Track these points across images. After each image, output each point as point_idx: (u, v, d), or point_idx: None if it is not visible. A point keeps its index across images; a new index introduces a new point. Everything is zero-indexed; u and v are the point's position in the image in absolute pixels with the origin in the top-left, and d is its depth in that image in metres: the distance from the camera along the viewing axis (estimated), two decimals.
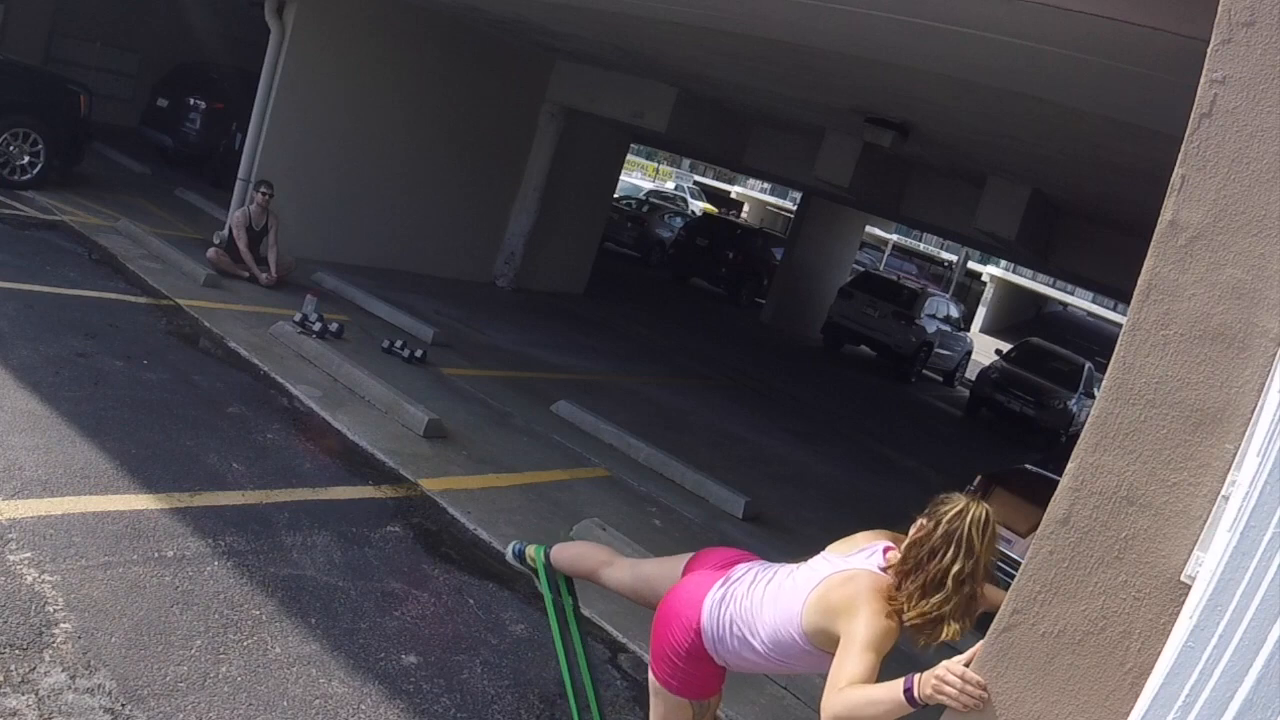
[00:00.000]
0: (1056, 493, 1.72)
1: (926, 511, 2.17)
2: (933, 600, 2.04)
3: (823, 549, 2.41)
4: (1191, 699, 1.20)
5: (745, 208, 35.02)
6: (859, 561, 2.25)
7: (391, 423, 5.71)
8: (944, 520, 2.10)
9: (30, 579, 3.09)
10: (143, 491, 3.92)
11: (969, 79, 5.33)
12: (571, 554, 2.97)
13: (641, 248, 20.18)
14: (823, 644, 2.17)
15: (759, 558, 2.56)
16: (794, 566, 2.39)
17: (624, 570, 2.81)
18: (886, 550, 2.25)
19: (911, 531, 2.17)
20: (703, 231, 18.97)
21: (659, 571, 2.71)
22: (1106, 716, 1.59)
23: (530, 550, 3.03)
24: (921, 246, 34.32)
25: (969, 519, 2.08)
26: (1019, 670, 1.70)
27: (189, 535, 3.71)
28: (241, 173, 8.69)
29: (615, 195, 16.62)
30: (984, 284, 31.24)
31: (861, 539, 2.36)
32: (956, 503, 2.13)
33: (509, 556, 3.14)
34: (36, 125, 8.46)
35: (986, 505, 2.13)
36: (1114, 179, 6.88)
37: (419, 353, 7.21)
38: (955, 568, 2.04)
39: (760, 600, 2.33)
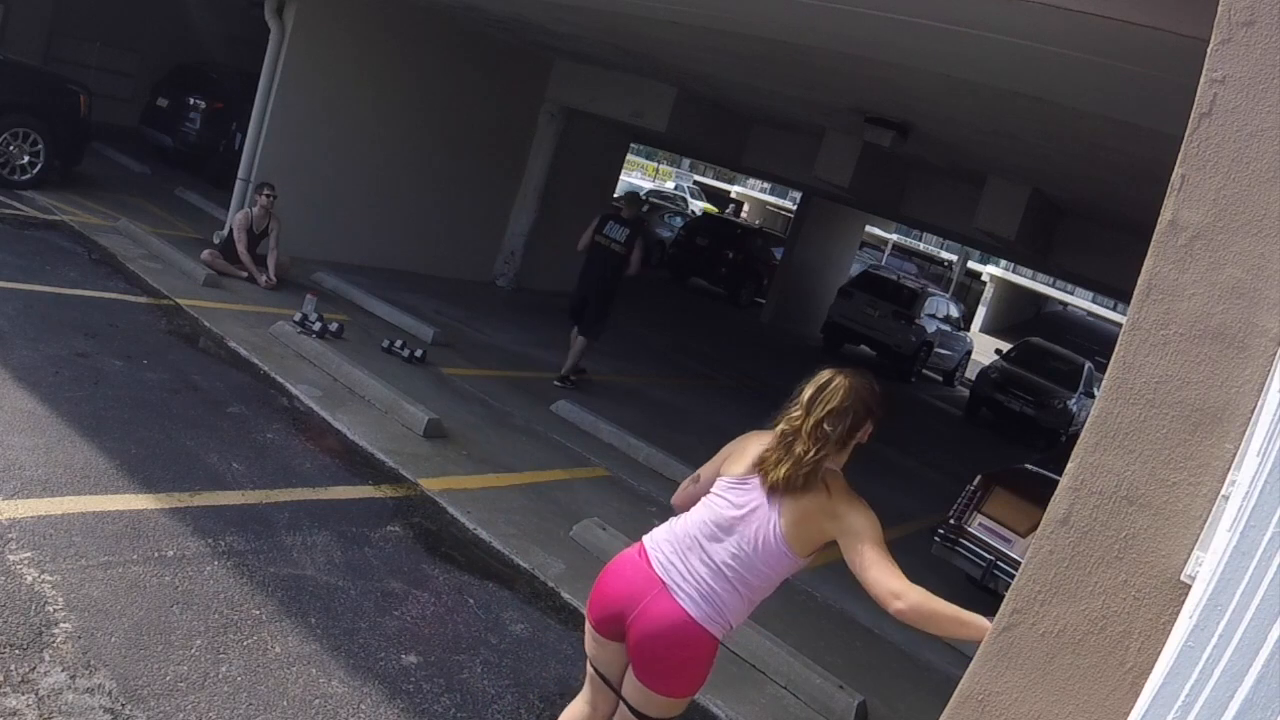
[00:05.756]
0: (1056, 493, 1.72)
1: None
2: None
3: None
4: (1191, 699, 1.20)
5: (745, 207, 35.02)
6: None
7: (391, 422, 5.71)
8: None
9: (30, 579, 3.09)
10: (143, 491, 3.92)
11: (969, 79, 5.32)
12: None
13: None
14: (805, 549, 2.38)
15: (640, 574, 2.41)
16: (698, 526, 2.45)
17: None
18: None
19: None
20: (703, 231, 18.95)
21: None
22: (1106, 716, 1.59)
23: None
24: (921, 246, 34.33)
25: (813, 382, 2.42)
26: (1019, 670, 1.70)
27: (189, 535, 3.71)
28: (241, 173, 8.69)
29: (615, 195, 16.61)
30: (984, 284, 31.26)
31: (750, 452, 2.48)
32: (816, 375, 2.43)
33: None
34: (36, 125, 8.47)
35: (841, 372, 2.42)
36: (1114, 179, 6.88)
37: (419, 352, 7.21)
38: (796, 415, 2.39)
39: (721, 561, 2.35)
